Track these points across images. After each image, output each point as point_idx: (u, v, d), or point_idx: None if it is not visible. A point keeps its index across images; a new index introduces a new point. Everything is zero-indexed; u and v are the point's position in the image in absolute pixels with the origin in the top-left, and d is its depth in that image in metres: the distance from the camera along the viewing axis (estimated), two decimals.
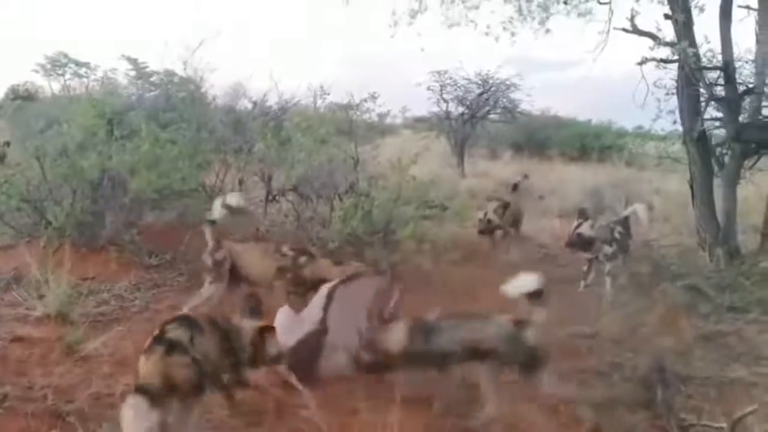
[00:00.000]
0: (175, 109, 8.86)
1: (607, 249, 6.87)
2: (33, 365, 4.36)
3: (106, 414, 3.64)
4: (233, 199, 5.70)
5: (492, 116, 20.19)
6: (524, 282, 4.20)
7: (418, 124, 23.41)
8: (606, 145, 22.93)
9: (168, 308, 5.57)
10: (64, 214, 6.67)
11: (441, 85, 19.09)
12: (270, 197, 8.56)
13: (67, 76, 16.53)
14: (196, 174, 7.91)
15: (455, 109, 19.38)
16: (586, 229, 6.90)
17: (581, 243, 6.95)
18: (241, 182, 9.09)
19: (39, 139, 8.26)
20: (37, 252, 5.88)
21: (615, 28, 8.29)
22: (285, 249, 5.53)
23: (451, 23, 9.36)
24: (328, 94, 12.16)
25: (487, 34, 9.25)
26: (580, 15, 8.96)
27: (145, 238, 7.06)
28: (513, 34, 9.18)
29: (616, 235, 6.98)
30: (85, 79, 15.80)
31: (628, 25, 7.84)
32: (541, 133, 23.19)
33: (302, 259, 5.44)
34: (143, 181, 6.92)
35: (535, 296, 4.17)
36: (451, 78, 18.95)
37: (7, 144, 9.21)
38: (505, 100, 19.41)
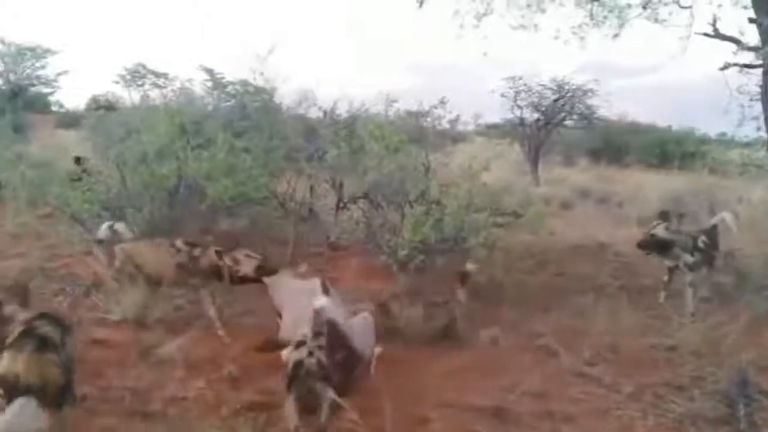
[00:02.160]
0: (249, 118, 9.01)
1: (688, 258, 6.58)
2: (111, 367, 4.49)
3: (180, 416, 3.71)
4: (120, 227, 5.97)
5: (567, 122, 19.78)
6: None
7: (491, 130, 23.19)
8: (688, 151, 22.20)
9: (240, 314, 5.66)
10: (145, 221, 6.86)
11: (515, 92, 18.82)
12: (341, 204, 8.60)
13: (146, 86, 17.02)
14: (268, 182, 8.02)
15: (530, 116, 19.08)
16: (660, 231, 6.64)
17: (654, 245, 6.71)
18: (312, 189, 9.17)
19: (119, 148, 8.53)
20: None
21: (696, 33, 8.02)
22: (179, 243, 5.59)
23: (515, 26, 9.17)
24: (397, 101, 12.12)
25: (556, 38, 9.04)
26: (659, 21, 8.65)
27: (219, 244, 7.20)
28: (582, 38, 8.95)
29: (700, 245, 6.69)
30: (163, 90, 16.23)
31: (709, 30, 7.58)
32: (619, 140, 22.68)
33: (196, 251, 5.52)
34: (220, 189, 7.06)
35: None
36: (525, 84, 18.66)
37: (77, 159, 9.60)
38: (581, 106, 18.98)
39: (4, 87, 21.98)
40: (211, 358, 4.74)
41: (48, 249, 7.58)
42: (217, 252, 5.44)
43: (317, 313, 4.07)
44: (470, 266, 5.70)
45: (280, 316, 5.09)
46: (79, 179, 7.78)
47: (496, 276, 6.76)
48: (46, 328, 3.27)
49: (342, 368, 4.03)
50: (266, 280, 5.29)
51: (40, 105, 25.88)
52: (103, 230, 5.90)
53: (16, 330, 3.29)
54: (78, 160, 9.57)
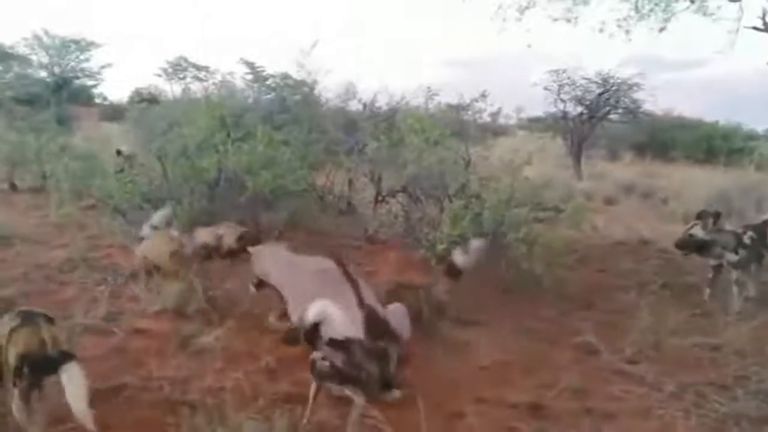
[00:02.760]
0: (289, 111, 9.03)
1: (732, 256, 6.40)
2: (151, 357, 4.53)
3: (218, 406, 3.73)
4: (156, 218, 6.09)
5: (612, 116, 19.44)
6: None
7: (533, 124, 22.96)
8: (735, 147, 21.67)
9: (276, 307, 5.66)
10: (186, 213, 6.92)
11: (559, 85, 18.57)
12: (379, 198, 8.57)
13: (188, 79, 17.24)
14: (307, 174, 8.03)
15: (573, 109, 18.81)
16: (698, 231, 6.47)
17: (693, 245, 6.55)
18: (351, 183, 9.16)
19: (161, 141, 8.62)
20: None
21: (745, 27, 7.82)
22: (175, 233, 5.83)
23: (556, 18, 9.06)
24: (437, 94, 11.98)
25: (601, 30, 8.90)
26: (707, 14, 8.43)
27: None
28: (627, 32, 8.79)
29: (746, 241, 6.49)
30: (204, 83, 16.39)
31: (758, 24, 7.39)
32: (664, 134, 22.29)
33: (184, 236, 5.73)
34: (260, 182, 7.07)
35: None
36: (569, 78, 18.40)
37: (119, 152, 9.77)
38: (626, 100, 18.63)
39: (48, 79, 22.54)
40: (248, 349, 4.75)
41: (91, 239, 7.70)
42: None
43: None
44: (459, 257, 5.25)
45: (259, 284, 5.14)
46: (122, 170, 7.88)
47: (536, 271, 6.67)
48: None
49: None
50: (251, 249, 5.31)
51: (84, 97, 26.49)
52: (145, 229, 6.02)
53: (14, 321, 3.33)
54: (119, 153, 9.76)
